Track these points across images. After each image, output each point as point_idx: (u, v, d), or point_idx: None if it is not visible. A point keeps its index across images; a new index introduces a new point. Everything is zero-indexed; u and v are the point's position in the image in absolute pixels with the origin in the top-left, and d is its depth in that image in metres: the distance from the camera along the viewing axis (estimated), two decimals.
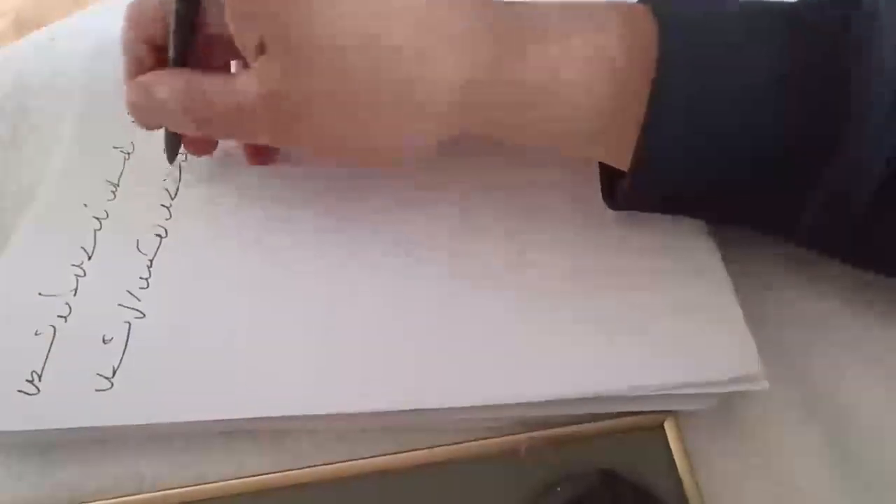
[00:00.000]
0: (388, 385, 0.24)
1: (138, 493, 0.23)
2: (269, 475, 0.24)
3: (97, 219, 0.29)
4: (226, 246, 0.28)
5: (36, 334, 0.26)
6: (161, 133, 0.29)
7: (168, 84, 0.26)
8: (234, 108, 0.24)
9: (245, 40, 0.24)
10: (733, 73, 0.22)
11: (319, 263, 0.27)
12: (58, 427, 0.24)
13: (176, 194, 0.30)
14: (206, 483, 0.24)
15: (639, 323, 0.25)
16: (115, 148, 0.32)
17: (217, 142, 0.31)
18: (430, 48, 0.23)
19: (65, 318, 0.26)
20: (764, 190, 0.23)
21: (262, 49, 0.23)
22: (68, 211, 0.30)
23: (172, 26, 0.26)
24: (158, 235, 0.29)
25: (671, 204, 0.26)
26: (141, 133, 0.32)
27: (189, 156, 0.31)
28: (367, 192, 0.29)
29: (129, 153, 0.32)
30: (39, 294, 0.27)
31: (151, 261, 0.28)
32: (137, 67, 0.27)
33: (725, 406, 0.24)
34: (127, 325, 0.26)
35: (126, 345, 0.26)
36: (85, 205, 0.30)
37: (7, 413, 0.24)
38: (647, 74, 0.22)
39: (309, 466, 0.24)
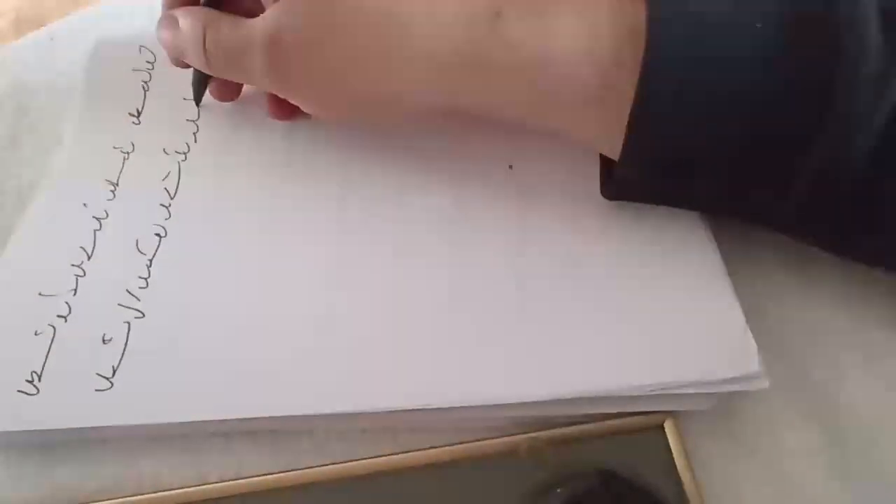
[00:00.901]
0: (387, 385, 0.24)
1: (138, 494, 0.23)
2: (269, 475, 0.24)
3: (97, 219, 0.29)
4: (225, 245, 0.28)
5: (36, 334, 0.26)
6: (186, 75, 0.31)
7: (191, 17, 0.28)
8: (239, 45, 0.26)
9: None
10: (726, 30, 0.22)
11: (319, 263, 0.27)
12: (58, 427, 0.24)
13: (175, 194, 0.30)
14: (206, 483, 0.24)
15: (639, 323, 0.25)
16: (114, 148, 0.32)
17: (240, 88, 0.32)
18: (421, 10, 0.24)
19: (64, 318, 0.26)
20: (755, 161, 0.23)
21: None
22: (68, 211, 0.30)
23: None
24: (158, 235, 0.29)
25: (663, 184, 0.25)
26: (141, 133, 0.32)
27: (191, 151, 0.31)
28: (366, 192, 0.29)
29: (128, 153, 0.31)
30: (39, 294, 0.27)
31: (151, 260, 0.28)
32: (172, 3, 0.29)
33: (725, 406, 0.24)
34: (126, 324, 0.26)
35: (126, 345, 0.26)
36: (84, 205, 0.30)
37: (7, 413, 0.24)
38: (640, 41, 0.22)
39: (309, 466, 0.24)
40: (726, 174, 0.24)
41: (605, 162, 0.27)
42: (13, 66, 0.36)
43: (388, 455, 0.24)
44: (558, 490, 0.23)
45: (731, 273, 0.26)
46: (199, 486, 0.23)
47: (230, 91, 0.32)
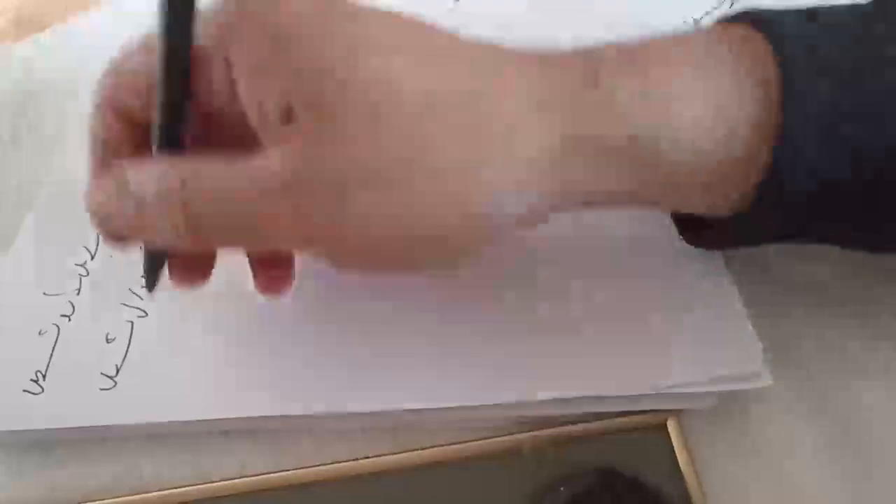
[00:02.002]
0: (388, 385, 0.24)
1: (138, 493, 0.24)
2: (270, 475, 0.24)
3: None
4: None
5: (40, 334, 0.26)
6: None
7: (151, 174, 0.19)
8: (251, 198, 0.18)
9: (264, 105, 0.18)
10: (864, 76, 0.19)
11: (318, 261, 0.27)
12: (62, 426, 0.24)
13: None
14: (206, 482, 0.24)
15: (642, 322, 0.25)
16: None
17: (213, 265, 0.24)
18: (508, 93, 0.18)
19: (68, 317, 0.27)
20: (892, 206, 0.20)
21: (287, 117, 0.18)
22: (71, 210, 0.29)
23: (160, 95, 0.19)
24: None
25: (792, 228, 0.22)
26: None
27: None
28: None
29: None
30: (43, 293, 0.27)
31: None
32: (106, 155, 0.21)
33: (728, 405, 0.24)
34: (130, 324, 0.26)
35: (129, 344, 0.26)
36: None
37: (13, 412, 0.25)
38: (769, 97, 0.19)
39: (309, 466, 0.24)
40: (857, 224, 0.21)
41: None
42: (13, 65, 0.36)
43: (389, 455, 0.24)
44: (561, 489, 0.23)
45: (736, 273, 0.25)
46: (199, 485, 0.24)
47: (201, 271, 0.23)
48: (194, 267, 0.23)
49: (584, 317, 0.25)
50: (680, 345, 0.24)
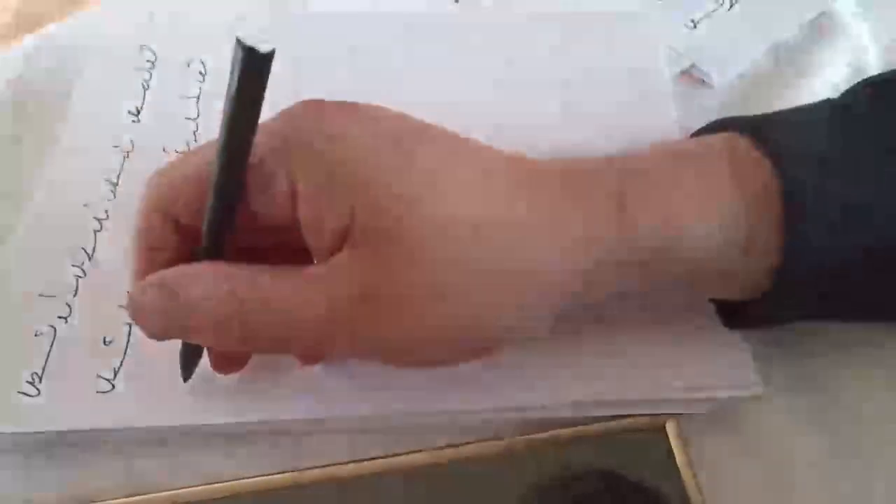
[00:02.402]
0: (388, 387, 0.24)
1: (138, 494, 0.23)
2: (269, 476, 0.23)
3: (97, 219, 0.29)
4: None
5: (36, 335, 0.26)
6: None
7: (206, 282, 0.19)
8: (310, 317, 0.19)
9: (324, 222, 0.19)
10: (862, 185, 0.21)
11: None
12: (59, 429, 0.24)
13: None
14: (206, 484, 0.23)
15: (636, 329, 0.25)
16: (114, 146, 0.32)
17: (250, 354, 0.24)
18: (541, 233, 0.20)
19: (65, 318, 0.26)
20: None
21: (344, 236, 0.19)
22: (68, 211, 0.29)
23: (212, 201, 0.19)
24: None
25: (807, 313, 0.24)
26: (141, 131, 0.32)
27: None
28: None
29: (128, 152, 0.31)
30: (39, 295, 0.27)
31: None
32: (151, 260, 0.21)
33: (727, 407, 0.24)
34: (128, 326, 0.26)
35: (127, 347, 0.26)
36: (85, 205, 0.30)
37: (8, 415, 0.24)
38: (774, 204, 0.20)
39: (309, 467, 0.24)
40: (871, 311, 0.24)
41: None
42: (13, 65, 0.36)
43: (389, 456, 0.24)
44: (559, 490, 0.23)
45: None
46: (199, 486, 0.23)
47: (242, 360, 0.24)
48: (235, 358, 0.24)
49: (580, 325, 0.25)
50: (674, 354, 0.24)
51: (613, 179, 0.21)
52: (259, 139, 0.19)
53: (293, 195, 0.19)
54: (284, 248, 0.21)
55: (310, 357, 0.24)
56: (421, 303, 0.19)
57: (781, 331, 0.25)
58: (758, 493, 0.23)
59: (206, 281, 0.20)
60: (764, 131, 0.22)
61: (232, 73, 0.17)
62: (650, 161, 0.22)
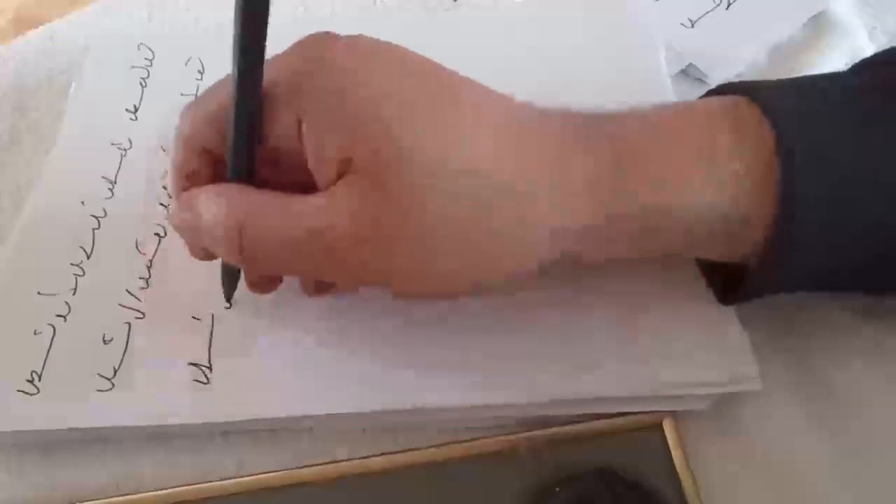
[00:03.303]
0: (387, 385, 0.24)
1: (138, 493, 0.23)
2: (269, 474, 0.24)
3: (95, 217, 0.29)
4: None
5: (35, 334, 0.26)
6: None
7: (218, 202, 0.21)
8: (304, 238, 0.20)
9: (325, 153, 0.20)
10: (861, 160, 0.21)
11: None
12: (58, 427, 0.24)
13: None
14: (205, 482, 0.24)
15: (635, 324, 0.25)
16: (112, 144, 0.31)
17: (281, 279, 0.26)
18: (541, 181, 0.20)
19: (64, 317, 0.26)
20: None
21: (345, 166, 0.20)
22: (66, 209, 0.29)
23: (232, 131, 0.21)
24: (157, 235, 0.29)
25: (803, 285, 0.24)
26: (138, 129, 0.32)
27: None
28: None
29: (126, 150, 0.31)
30: (38, 293, 0.27)
31: (151, 260, 0.28)
32: (186, 179, 0.23)
33: (724, 405, 0.24)
34: (127, 325, 0.26)
35: (126, 345, 0.26)
36: (82, 203, 0.30)
37: (7, 413, 0.24)
38: (772, 176, 0.20)
39: (309, 466, 0.24)
40: (866, 282, 0.24)
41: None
42: (12, 65, 0.36)
43: (388, 454, 0.24)
44: (557, 489, 0.23)
45: None
46: (198, 485, 0.23)
47: (272, 283, 0.25)
48: (268, 280, 0.25)
49: (580, 320, 0.25)
50: (673, 349, 0.24)
51: (614, 136, 0.21)
52: (270, 70, 0.20)
53: (300, 124, 0.20)
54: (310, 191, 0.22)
55: (318, 287, 0.25)
56: (407, 242, 0.20)
57: (780, 330, 0.25)
58: (755, 491, 0.23)
59: (219, 198, 0.21)
60: (768, 96, 0.21)
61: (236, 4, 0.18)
62: (651, 118, 0.22)
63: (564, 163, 0.21)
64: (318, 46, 0.21)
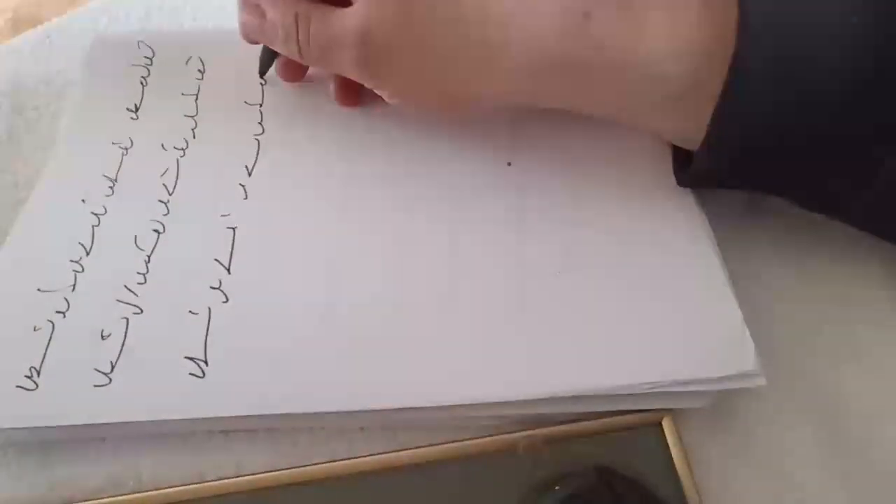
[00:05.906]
0: (386, 383, 0.24)
1: (136, 492, 0.23)
2: (268, 474, 0.23)
3: (95, 214, 0.29)
4: (223, 242, 0.28)
5: (34, 329, 0.26)
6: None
7: (278, 7, 0.28)
8: (330, 39, 0.27)
9: None
10: (818, 29, 0.22)
11: (317, 261, 0.27)
12: (56, 424, 0.24)
13: (174, 190, 0.30)
14: (204, 482, 0.23)
15: (636, 320, 0.25)
16: (113, 143, 0.31)
17: (306, 70, 0.33)
18: (516, 12, 0.24)
19: (63, 313, 0.26)
20: (838, 152, 0.23)
21: None
22: (66, 206, 0.29)
23: None
24: (156, 231, 0.29)
25: (741, 172, 0.25)
26: (139, 128, 0.32)
27: (189, 146, 0.31)
28: (366, 190, 0.29)
29: (126, 148, 0.31)
30: (38, 289, 0.27)
31: (149, 256, 0.28)
32: None
33: (723, 403, 0.24)
34: (125, 320, 0.26)
35: (124, 340, 0.26)
36: (83, 200, 0.30)
37: (6, 409, 0.24)
38: (728, 45, 0.22)
39: (308, 465, 0.24)
40: (807, 165, 0.24)
41: (678, 149, 0.28)
42: (11, 64, 0.36)
43: (387, 453, 0.24)
44: (556, 487, 0.23)
45: (729, 270, 0.26)
46: (197, 483, 0.23)
47: (298, 72, 0.32)
48: (295, 69, 0.32)
49: (579, 316, 0.25)
50: (674, 344, 0.24)
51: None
52: None
53: None
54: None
55: (348, 94, 0.31)
56: (403, 44, 0.26)
57: (779, 329, 0.25)
58: (753, 488, 0.23)
59: (282, 9, 0.28)
60: None
61: None
62: None
63: (535, 4, 0.24)
64: None
